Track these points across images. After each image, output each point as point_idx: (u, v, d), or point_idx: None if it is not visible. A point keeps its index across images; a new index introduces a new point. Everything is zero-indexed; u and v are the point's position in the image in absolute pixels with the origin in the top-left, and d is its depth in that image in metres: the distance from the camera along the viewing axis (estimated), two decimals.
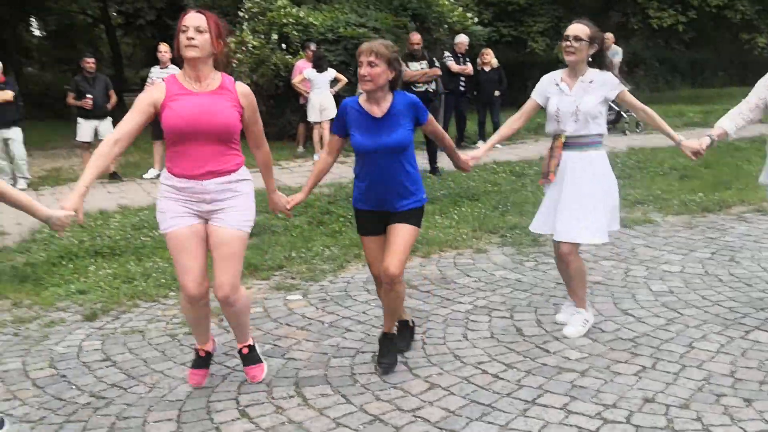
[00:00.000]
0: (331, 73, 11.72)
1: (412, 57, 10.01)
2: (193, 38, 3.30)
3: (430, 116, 3.81)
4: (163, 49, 10.44)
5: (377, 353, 3.99)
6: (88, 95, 10.22)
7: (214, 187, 3.42)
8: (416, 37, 10.20)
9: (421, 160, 10.51)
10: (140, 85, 15.42)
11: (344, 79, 11.85)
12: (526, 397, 3.53)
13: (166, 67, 10.53)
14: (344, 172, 10.75)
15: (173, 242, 3.47)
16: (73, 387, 3.85)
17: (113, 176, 10.65)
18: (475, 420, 3.31)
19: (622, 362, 3.90)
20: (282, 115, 13.72)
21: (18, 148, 10.20)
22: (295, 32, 12.97)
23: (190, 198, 3.43)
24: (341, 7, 14.29)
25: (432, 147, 10.08)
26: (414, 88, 9.76)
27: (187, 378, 3.83)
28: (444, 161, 10.59)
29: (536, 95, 4.30)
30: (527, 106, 4.34)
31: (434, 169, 10.06)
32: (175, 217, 3.45)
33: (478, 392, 3.59)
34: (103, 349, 4.38)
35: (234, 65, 13.03)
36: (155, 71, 10.63)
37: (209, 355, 3.87)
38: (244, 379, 3.85)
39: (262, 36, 12.93)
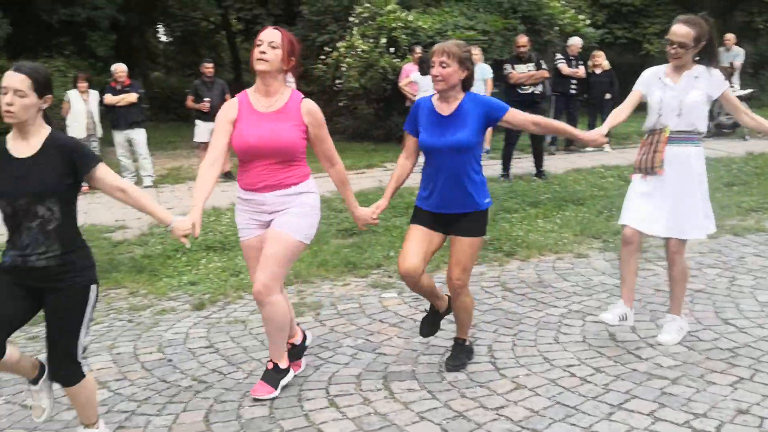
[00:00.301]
0: None
1: (519, 59, 9.97)
2: (264, 53, 3.45)
3: (512, 109, 3.75)
4: None
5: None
6: (206, 98, 10.73)
7: (273, 200, 3.56)
8: (523, 40, 10.15)
9: (528, 163, 10.51)
10: None
11: None
12: (612, 401, 3.50)
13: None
14: None
15: (244, 251, 3.75)
16: (178, 371, 4.11)
17: (227, 175, 11.13)
18: (558, 421, 3.32)
19: (717, 372, 3.79)
20: (389, 118, 13.94)
21: (142, 148, 10.85)
22: (403, 36, 13.14)
23: (254, 209, 3.61)
24: (450, 11, 14.34)
25: (538, 150, 10.00)
26: (520, 91, 9.72)
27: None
28: (551, 164, 10.50)
29: (640, 86, 4.22)
30: (630, 98, 4.23)
31: (540, 173, 9.97)
32: (242, 228, 3.68)
33: (564, 394, 3.59)
34: (207, 336, 4.65)
35: (343, 69, 13.36)
36: None
37: (295, 346, 3.98)
38: (336, 371, 4.00)
39: (371, 40, 13.17)
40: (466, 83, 3.72)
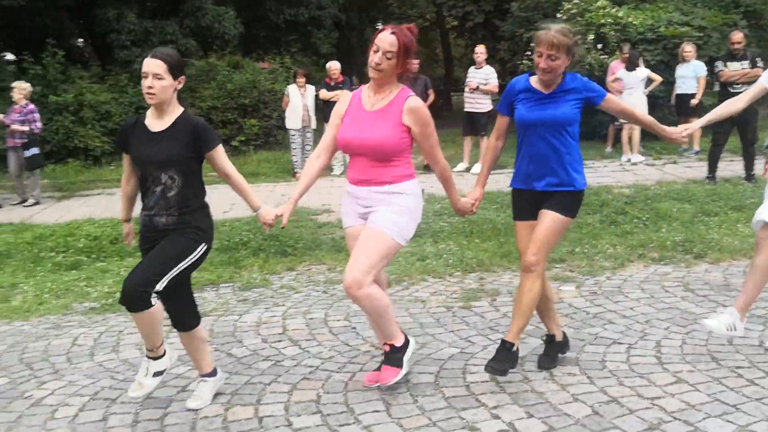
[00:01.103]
0: (643, 72, 11.50)
1: (733, 57, 9.49)
2: (380, 63, 3.49)
3: (610, 95, 3.75)
4: (479, 50, 11.14)
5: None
6: None
7: (368, 195, 3.63)
8: (737, 36, 9.64)
9: (738, 166, 9.96)
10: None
11: (659, 79, 11.56)
12: None
13: (481, 67, 11.23)
14: (651, 174, 10.55)
15: (346, 239, 3.84)
16: (360, 337, 4.57)
17: (427, 167, 11.64)
18: (713, 417, 3.33)
19: None
20: (594, 115, 13.68)
21: None
22: (612, 32, 12.90)
23: (355, 201, 3.73)
24: (665, 6, 13.82)
25: (749, 153, 9.50)
26: (731, 90, 9.25)
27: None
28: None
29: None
30: (754, 90, 4.20)
31: (749, 176, 9.46)
32: (344, 217, 3.82)
33: (725, 393, 3.57)
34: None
35: None
36: (471, 71, 11.39)
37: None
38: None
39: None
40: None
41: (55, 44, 13.70)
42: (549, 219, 3.71)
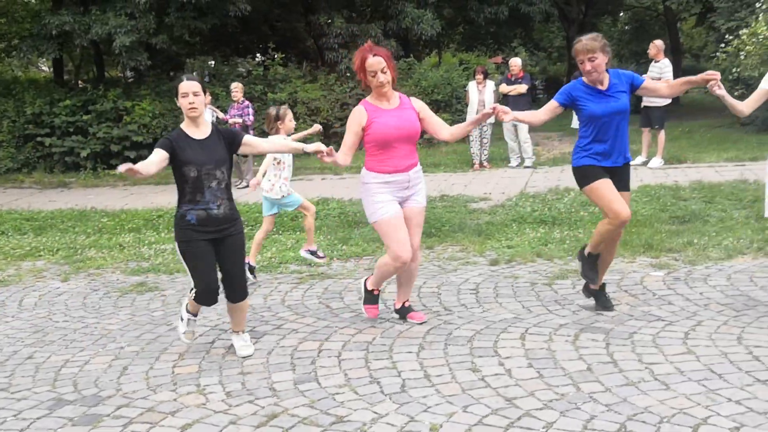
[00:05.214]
0: None
1: None
2: (382, 82, 4.47)
3: (648, 79, 4.87)
4: (656, 43, 11.17)
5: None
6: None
7: (414, 175, 4.64)
8: None
9: None
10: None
11: None
12: None
13: (659, 60, 11.23)
14: None
15: (392, 223, 4.56)
16: (441, 304, 5.39)
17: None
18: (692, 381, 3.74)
19: None
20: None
21: (523, 133, 12.21)
22: None
23: (397, 187, 4.60)
24: None
25: None
26: None
27: (366, 313, 5.02)
28: None
29: None
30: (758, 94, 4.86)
31: None
32: (386, 204, 4.56)
33: (724, 365, 3.92)
34: (480, 283, 5.81)
35: (742, 57, 12.89)
36: (651, 66, 11.42)
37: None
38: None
39: None
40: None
41: (286, 47, 15.64)
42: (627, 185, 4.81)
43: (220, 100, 14.22)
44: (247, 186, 11.82)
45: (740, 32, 13.16)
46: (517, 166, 12.51)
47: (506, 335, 4.61)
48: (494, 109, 4.46)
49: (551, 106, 4.70)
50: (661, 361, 4.05)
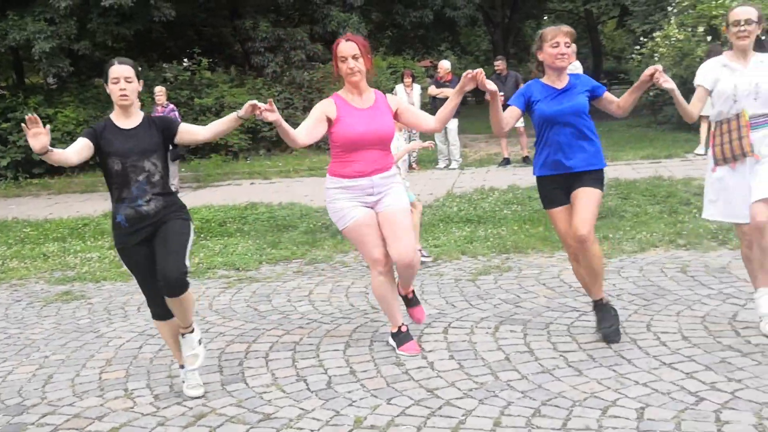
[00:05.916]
0: None
1: None
2: (353, 67, 4.12)
3: (606, 92, 4.33)
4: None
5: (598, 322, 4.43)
6: (500, 92, 11.96)
7: (380, 180, 4.23)
8: None
9: None
10: None
11: None
12: None
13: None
14: None
15: (359, 230, 4.22)
16: (367, 302, 5.51)
17: (525, 160, 12.24)
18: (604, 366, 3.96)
19: None
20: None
21: (452, 135, 12.46)
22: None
23: (359, 193, 4.21)
24: None
25: None
26: None
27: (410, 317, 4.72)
28: None
29: (703, 81, 4.29)
30: (697, 95, 4.30)
31: None
32: (349, 211, 4.22)
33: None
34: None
35: (656, 58, 13.44)
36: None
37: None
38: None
39: (689, 29, 13.05)
40: None
41: (213, 52, 15.58)
42: (590, 193, 4.23)
43: (146, 106, 14.04)
44: (178, 192, 11.84)
45: (654, 35, 13.73)
46: (444, 167, 12.76)
47: (430, 330, 4.76)
48: (478, 73, 4.09)
49: (513, 113, 4.33)
50: (575, 349, 4.26)
